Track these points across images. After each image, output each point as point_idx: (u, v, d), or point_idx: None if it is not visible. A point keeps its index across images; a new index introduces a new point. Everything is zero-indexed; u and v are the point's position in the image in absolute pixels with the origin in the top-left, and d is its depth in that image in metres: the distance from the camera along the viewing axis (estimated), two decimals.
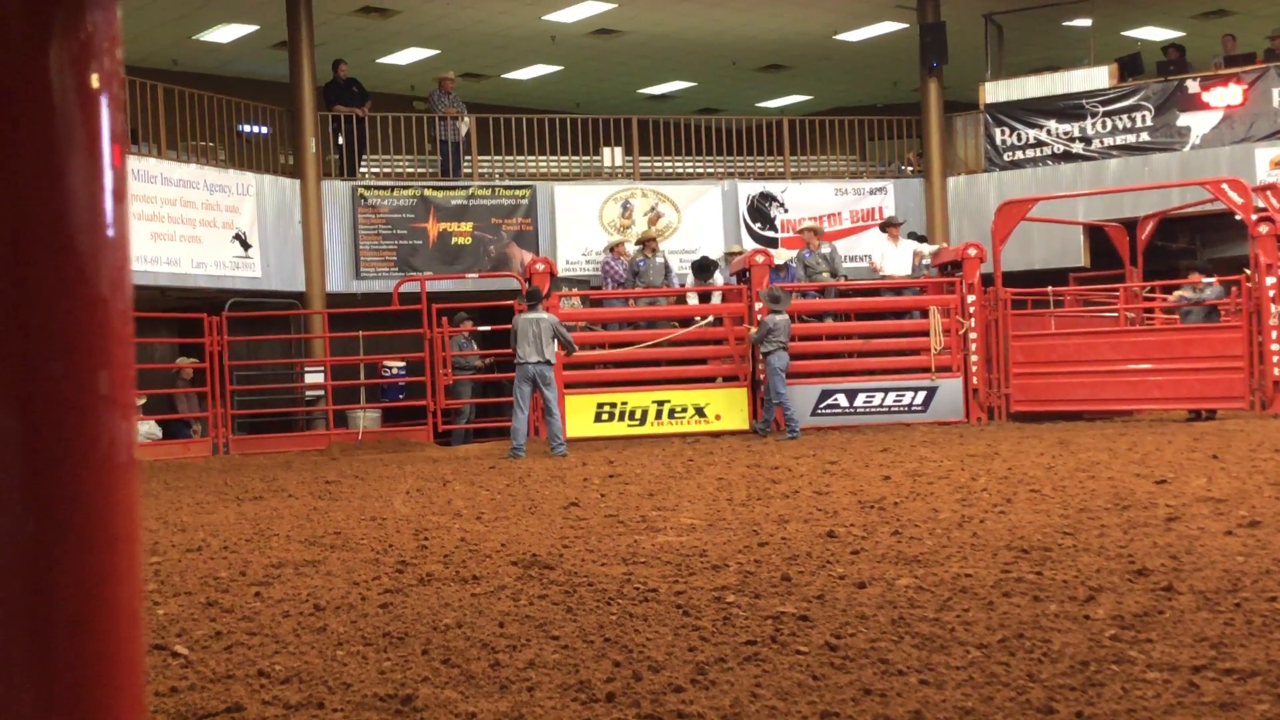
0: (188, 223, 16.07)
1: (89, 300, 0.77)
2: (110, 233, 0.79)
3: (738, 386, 14.88)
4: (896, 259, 16.26)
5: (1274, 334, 13.34)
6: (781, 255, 16.52)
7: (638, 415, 14.66)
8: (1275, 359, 13.31)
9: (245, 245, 16.77)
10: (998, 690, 3.15)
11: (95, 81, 0.78)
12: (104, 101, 0.79)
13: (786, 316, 13.99)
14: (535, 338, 12.31)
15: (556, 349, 12.63)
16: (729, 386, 14.96)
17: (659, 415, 14.63)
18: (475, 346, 15.75)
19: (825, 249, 16.43)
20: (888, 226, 16.65)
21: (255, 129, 18.27)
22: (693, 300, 16.39)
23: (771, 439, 13.43)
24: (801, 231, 17.09)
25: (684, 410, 14.66)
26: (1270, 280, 13.41)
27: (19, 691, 0.73)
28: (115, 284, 0.79)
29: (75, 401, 0.77)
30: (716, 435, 14.12)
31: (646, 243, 16.67)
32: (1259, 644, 3.49)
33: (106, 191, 0.79)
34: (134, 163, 15.58)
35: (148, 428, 15.88)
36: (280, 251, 17.30)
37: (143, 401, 16.23)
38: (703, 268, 16.36)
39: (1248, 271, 13.74)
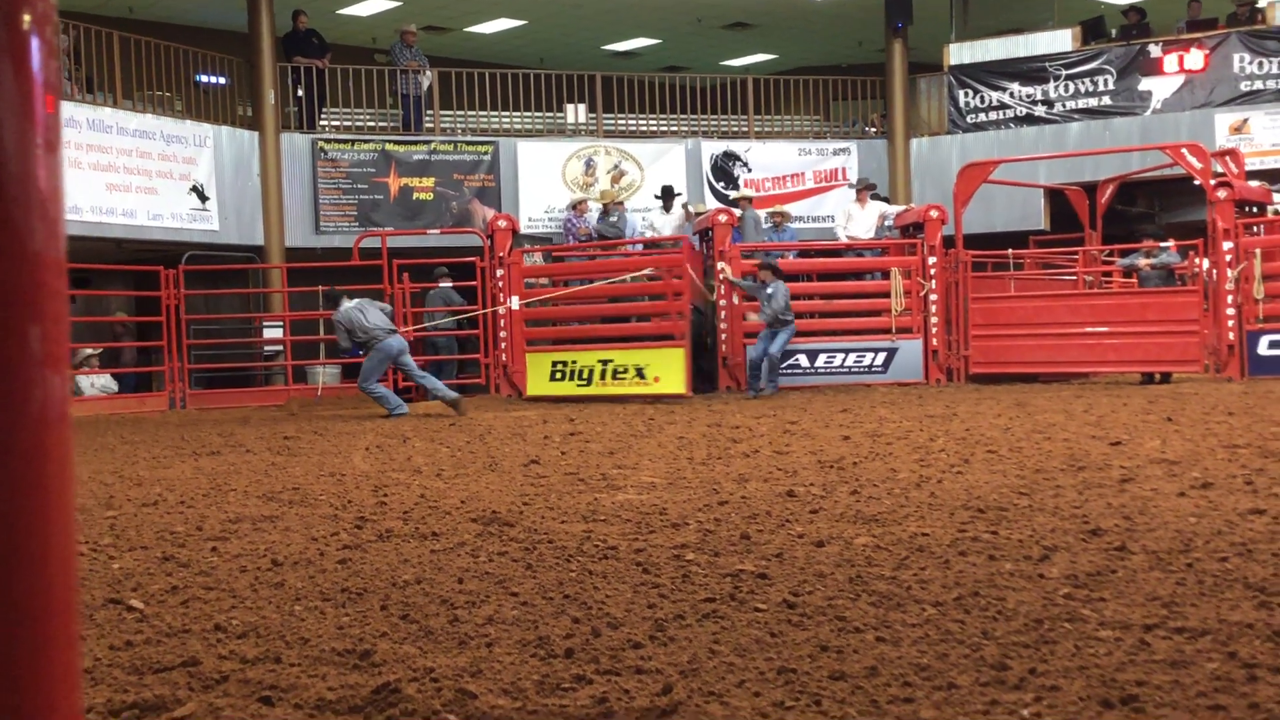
0: (144, 174, 15.84)
1: (19, 254, 0.74)
2: (43, 185, 0.76)
3: (673, 346, 13.91)
4: (862, 221, 16.29)
5: (1229, 298, 13.49)
6: (743, 194, 16.61)
7: (585, 374, 14.28)
8: (1230, 323, 13.47)
9: (202, 197, 16.57)
10: (953, 647, 3.18)
11: (26, 25, 0.75)
12: (35, 46, 0.76)
13: (785, 288, 13.84)
14: (375, 314, 12.39)
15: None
16: (664, 346, 14.00)
17: (604, 375, 14.08)
18: (457, 300, 15.51)
19: (787, 234, 16.51)
20: (861, 189, 16.63)
21: (213, 79, 18.00)
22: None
23: (733, 399, 13.46)
24: (773, 213, 17.09)
25: (625, 370, 14.03)
26: (1227, 245, 13.55)
27: None
28: (48, 237, 0.76)
29: (5, 356, 0.74)
30: (656, 399, 13.50)
31: (609, 204, 16.69)
32: (1210, 603, 3.54)
33: (38, 142, 0.76)
34: (89, 112, 15.31)
35: (103, 381, 15.72)
36: (238, 204, 17.10)
37: (98, 353, 16.04)
38: (667, 193, 16.57)
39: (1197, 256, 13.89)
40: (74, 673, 0.76)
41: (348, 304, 12.45)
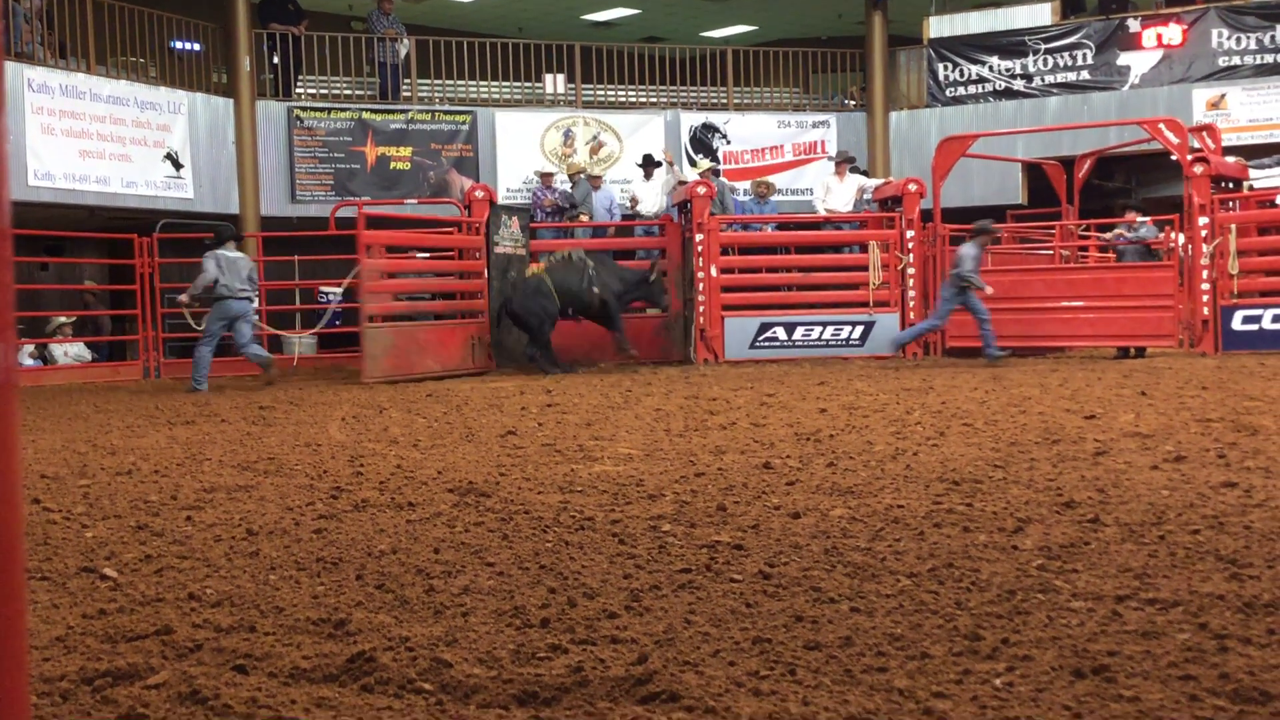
0: (117, 141, 15.67)
1: None
2: None
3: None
4: (840, 194, 16.29)
5: (1204, 273, 13.56)
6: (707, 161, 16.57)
7: None
8: (1205, 298, 13.54)
9: (177, 165, 16.42)
10: (926, 618, 3.19)
11: None
12: None
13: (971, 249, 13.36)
14: (234, 273, 12.55)
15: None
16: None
17: None
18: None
19: (769, 207, 16.49)
20: (841, 162, 16.61)
21: (187, 45, 17.80)
22: (639, 233, 16.35)
23: (708, 370, 13.46)
24: (758, 184, 17.03)
25: None
26: (1203, 220, 13.60)
27: None
28: None
29: None
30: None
31: (589, 176, 16.68)
32: (1181, 575, 3.57)
33: None
34: (62, 78, 15.14)
35: (77, 350, 15.60)
36: (213, 172, 16.96)
37: (71, 321, 15.93)
38: (647, 161, 16.51)
39: (1173, 234, 13.96)
40: (20, 637, 0.74)
41: (226, 251, 12.64)
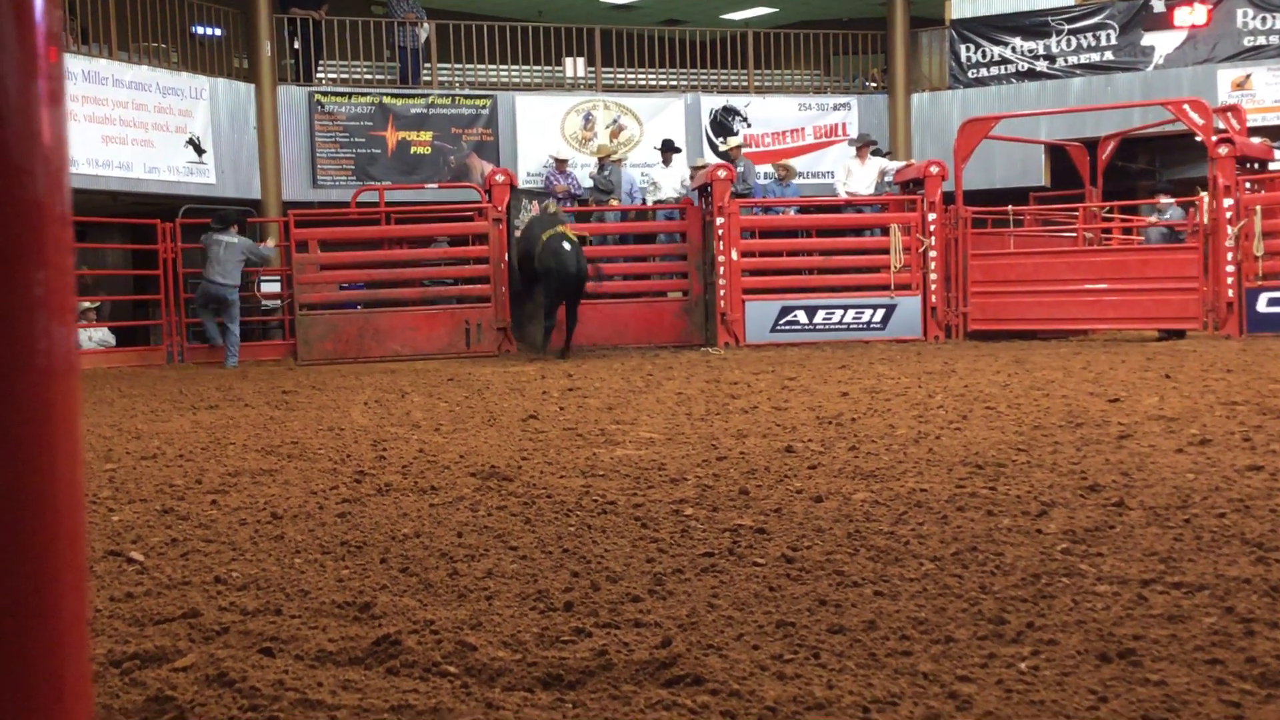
0: (140, 126, 15.74)
1: (24, 203, 0.73)
2: (46, 137, 0.75)
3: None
4: (862, 176, 16.23)
5: (1229, 255, 13.46)
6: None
7: None
8: (1229, 280, 13.44)
9: (199, 150, 16.48)
10: (950, 601, 3.19)
11: None
12: None
13: None
14: (221, 260, 13.36)
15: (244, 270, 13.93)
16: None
17: None
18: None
19: (790, 190, 16.45)
20: (862, 145, 16.54)
21: (208, 31, 17.84)
22: (660, 216, 16.32)
23: (733, 355, 13.44)
24: (779, 167, 16.99)
25: None
26: (1228, 202, 13.49)
27: None
28: (52, 187, 0.75)
29: (9, 305, 0.73)
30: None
31: (608, 158, 16.66)
32: (1207, 559, 3.55)
33: (41, 93, 0.75)
34: (84, 64, 15.20)
35: (101, 334, 15.70)
36: (235, 158, 17.01)
37: (95, 306, 16.03)
38: (667, 147, 16.50)
39: (1203, 194, 13.83)
40: (81, 626, 0.75)
41: (221, 236, 13.28)
